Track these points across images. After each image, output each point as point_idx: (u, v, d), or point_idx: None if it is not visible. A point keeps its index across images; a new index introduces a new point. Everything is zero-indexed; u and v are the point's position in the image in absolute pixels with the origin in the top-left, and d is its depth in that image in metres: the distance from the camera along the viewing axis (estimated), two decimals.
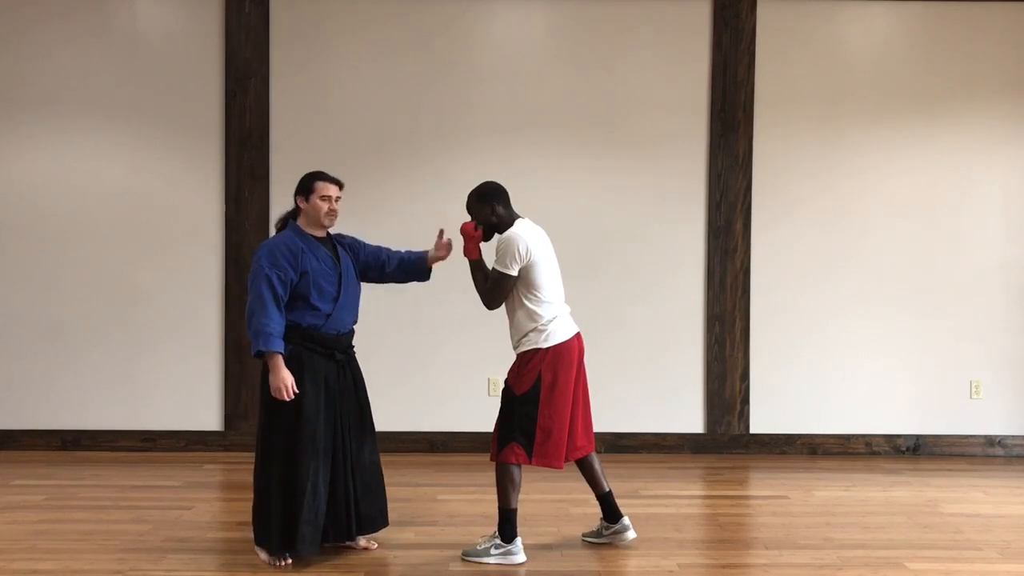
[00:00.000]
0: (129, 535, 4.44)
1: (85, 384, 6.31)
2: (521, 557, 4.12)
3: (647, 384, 6.38)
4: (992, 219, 6.44)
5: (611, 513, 4.34)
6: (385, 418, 6.26)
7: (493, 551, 4.12)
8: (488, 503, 4.96)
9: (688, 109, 6.36)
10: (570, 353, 4.15)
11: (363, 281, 4.40)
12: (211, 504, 5.13)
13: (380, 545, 4.32)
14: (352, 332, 4.30)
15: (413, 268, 4.46)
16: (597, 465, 4.33)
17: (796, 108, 6.39)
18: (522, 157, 6.32)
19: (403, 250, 4.52)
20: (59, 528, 4.56)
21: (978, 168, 6.43)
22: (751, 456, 6.34)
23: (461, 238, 4.24)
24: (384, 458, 6.03)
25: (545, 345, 4.09)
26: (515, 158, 6.30)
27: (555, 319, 4.12)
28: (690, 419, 6.40)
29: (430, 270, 4.51)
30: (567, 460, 4.21)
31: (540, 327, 4.10)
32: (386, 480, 5.45)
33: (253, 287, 4.01)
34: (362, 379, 4.32)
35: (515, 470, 4.09)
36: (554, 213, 6.27)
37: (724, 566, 4.12)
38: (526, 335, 4.12)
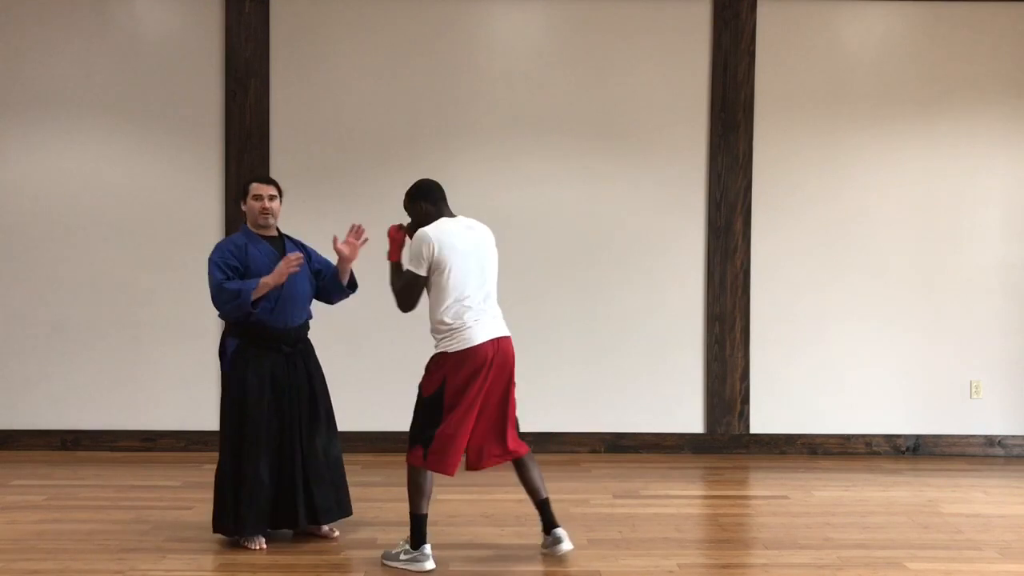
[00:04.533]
0: (129, 535, 4.44)
1: (85, 384, 6.31)
2: (429, 564, 3.99)
3: (647, 384, 6.38)
4: (992, 219, 6.44)
5: (547, 522, 4.16)
6: (385, 418, 6.29)
7: (403, 556, 4.03)
8: (488, 503, 4.97)
9: (688, 109, 6.36)
10: (480, 359, 3.96)
11: (316, 297, 4.53)
12: (211, 504, 5.11)
13: (380, 545, 4.32)
14: (305, 326, 4.42)
15: (331, 281, 4.51)
16: (534, 471, 4.15)
17: (796, 108, 6.39)
18: (522, 157, 6.32)
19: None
20: (59, 528, 4.56)
21: (978, 168, 6.43)
22: (751, 456, 6.34)
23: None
24: (385, 458, 6.10)
25: (451, 350, 3.98)
26: (515, 158, 6.30)
27: (466, 324, 3.97)
28: (690, 419, 6.40)
29: (351, 283, 4.55)
30: (486, 466, 4.11)
31: (448, 331, 3.98)
32: (387, 480, 5.51)
33: (208, 275, 4.23)
34: (319, 372, 4.43)
35: (420, 473, 4.00)
36: (554, 213, 6.29)
37: (724, 566, 4.12)
38: (437, 339, 4.04)
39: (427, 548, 4.03)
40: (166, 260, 6.31)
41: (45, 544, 4.31)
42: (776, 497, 5.31)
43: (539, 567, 4.08)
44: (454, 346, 3.98)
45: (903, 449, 6.43)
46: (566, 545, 4.12)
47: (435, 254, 3.94)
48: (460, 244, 3.99)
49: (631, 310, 6.37)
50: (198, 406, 6.32)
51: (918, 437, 6.43)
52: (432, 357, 4.07)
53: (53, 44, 6.28)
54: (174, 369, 6.32)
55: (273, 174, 6.21)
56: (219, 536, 4.48)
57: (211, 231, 6.30)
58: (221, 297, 4.18)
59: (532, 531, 4.52)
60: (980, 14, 6.38)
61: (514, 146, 6.34)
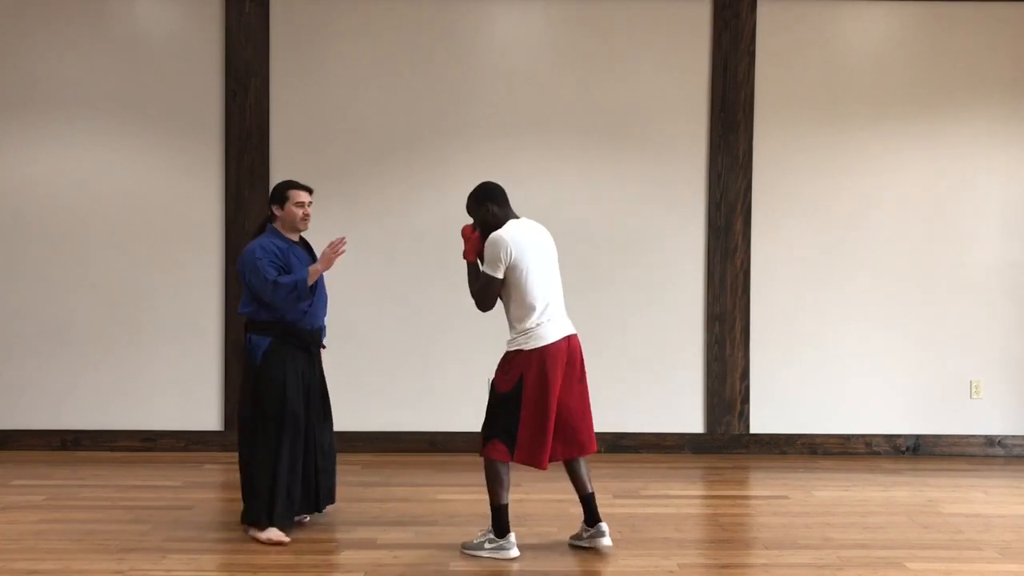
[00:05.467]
0: (129, 535, 4.44)
1: (85, 384, 6.31)
2: (514, 552, 4.15)
3: (647, 384, 6.38)
4: (992, 219, 6.44)
5: (591, 516, 4.30)
6: (385, 418, 6.29)
7: (487, 545, 4.18)
8: (487, 502, 4.96)
9: (688, 109, 6.36)
10: (556, 355, 4.12)
11: None
12: (211, 504, 5.13)
13: (380, 545, 4.32)
14: (323, 327, 4.62)
15: None
16: (583, 466, 4.29)
17: (796, 108, 6.39)
18: (522, 158, 6.32)
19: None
20: (59, 528, 4.56)
21: (978, 168, 6.43)
22: (751, 456, 6.34)
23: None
24: (384, 458, 6.11)
25: (528, 347, 4.10)
26: (515, 159, 6.30)
27: (543, 321, 4.12)
28: (690, 419, 6.40)
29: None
30: (556, 459, 4.21)
31: (526, 328, 4.11)
32: (387, 480, 5.53)
33: (257, 274, 4.31)
34: (322, 370, 4.66)
35: (501, 466, 4.14)
36: (554, 214, 6.26)
37: (724, 566, 4.12)
38: (513, 336, 4.16)
39: (512, 536, 4.18)
40: (166, 260, 6.31)
41: (45, 544, 4.31)
42: (776, 497, 5.31)
43: (539, 566, 4.08)
44: (532, 343, 4.11)
45: (903, 449, 6.43)
46: (607, 540, 4.25)
47: (512, 257, 4.07)
48: (532, 245, 4.14)
49: (631, 310, 6.37)
50: (198, 406, 6.33)
51: (918, 437, 6.43)
52: (506, 355, 4.19)
53: (53, 44, 6.28)
54: (174, 369, 6.32)
55: (273, 174, 6.24)
56: (219, 536, 4.48)
57: (211, 231, 6.31)
58: (279, 292, 4.28)
59: (531, 531, 4.53)
60: (980, 14, 6.38)
61: (514, 146, 6.33)
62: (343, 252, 4.39)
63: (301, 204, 4.46)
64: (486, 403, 4.27)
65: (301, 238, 4.60)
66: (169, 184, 6.32)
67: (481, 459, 4.23)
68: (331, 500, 4.69)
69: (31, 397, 6.30)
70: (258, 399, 4.36)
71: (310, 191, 4.53)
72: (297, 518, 4.55)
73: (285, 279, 4.30)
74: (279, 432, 4.34)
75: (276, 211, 4.48)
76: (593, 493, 4.31)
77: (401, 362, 6.33)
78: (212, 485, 5.55)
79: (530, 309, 4.10)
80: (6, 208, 6.30)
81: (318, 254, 4.55)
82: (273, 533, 4.33)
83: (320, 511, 4.65)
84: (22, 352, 6.30)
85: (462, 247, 4.30)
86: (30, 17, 6.27)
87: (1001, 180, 6.43)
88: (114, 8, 6.31)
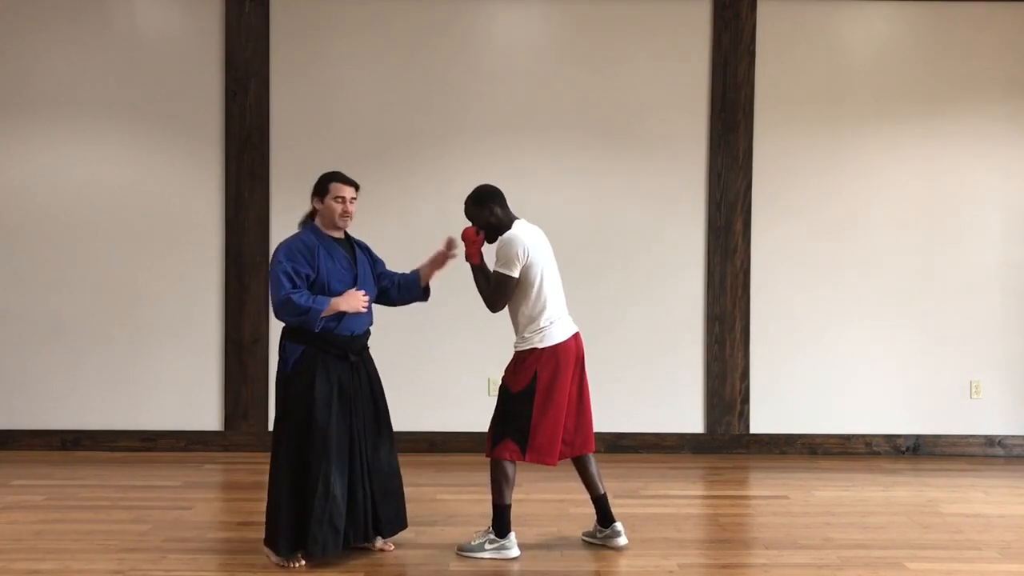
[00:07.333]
0: (129, 535, 4.44)
1: (85, 384, 6.31)
2: (515, 551, 4.16)
3: (647, 384, 6.38)
4: (992, 219, 6.44)
5: (604, 517, 4.34)
6: None
7: (488, 546, 4.17)
8: (487, 503, 4.96)
9: (688, 109, 6.36)
10: (567, 353, 4.17)
11: (376, 301, 4.35)
12: (211, 504, 5.13)
13: (379, 545, 4.31)
14: (367, 333, 4.30)
15: (409, 288, 4.42)
16: (594, 467, 4.33)
17: (796, 108, 6.39)
18: (522, 157, 6.32)
19: (401, 272, 4.47)
20: (59, 528, 4.56)
21: (978, 168, 6.43)
22: (751, 456, 6.34)
23: (463, 244, 4.27)
24: None
25: (541, 345, 4.13)
26: (515, 158, 6.31)
27: (554, 319, 4.16)
28: (690, 419, 6.40)
29: (427, 289, 4.48)
30: (562, 458, 4.23)
31: (538, 327, 4.13)
32: None
33: (274, 281, 4.02)
34: (378, 380, 4.32)
35: (509, 466, 4.15)
36: (554, 213, 6.27)
37: (724, 566, 4.12)
38: (524, 335, 4.16)
39: (513, 536, 4.18)
40: (166, 260, 6.31)
41: (45, 544, 4.31)
42: (776, 497, 5.31)
43: (539, 566, 4.08)
44: (545, 342, 4.13)
45: (903, 449, 6.43)
46: (623, 540, 4.29)
47: (529, 257, 4.09)
48: (541, 245, 4.19)
49: (631, 310, 6.38)
50: (198, 406, 6.33)
51: (918, 437, 6.43)
52: (517, 354, 4.19)
53: (53, 44, 6.28)
54: (174, 369, 6.32)
55: (273, 174, 6.24)
56: (219, 536, 4.48)
57: (211, 231, 6.31)
58: (287, 309, 3.97)
59: (531, 531, 4.53)
60: (980, 13, 6.38)
61: (513, 146, 6.34)
62: (363, 311, 4.11)
63: (341, 199, 4.11)
64: (495, 403, 4.25)
65: (347, 236, 4.25)
66: (169, 184, 6.32)
67: (485, 459, 4.22)
68: (403, 524, 4.28)
69: (31, 397, 6.30)
70: (286, 412, 4.05)
71: (354, 185, 4.18)
72: (362, 545, 4.20)
73: (300, 299, 3.95)
74: (306, 450, 3.98)
75: (316, 204, 4.16)
76: (605, 494, 4.34)
77: (401, 362, 6.32)
78: (212, 485, 5.55)
79: (543, 308, 4.14)
80: (6, 207, 6.30)
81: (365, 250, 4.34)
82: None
83: (382, 537, 4.24)
84: (22, 352, 6.30)
85: (463, 251, 4.28)
86: (29, 17, 6.27)
87: (1001, 180, 6.43)
88: (114, 8, 6.31)
